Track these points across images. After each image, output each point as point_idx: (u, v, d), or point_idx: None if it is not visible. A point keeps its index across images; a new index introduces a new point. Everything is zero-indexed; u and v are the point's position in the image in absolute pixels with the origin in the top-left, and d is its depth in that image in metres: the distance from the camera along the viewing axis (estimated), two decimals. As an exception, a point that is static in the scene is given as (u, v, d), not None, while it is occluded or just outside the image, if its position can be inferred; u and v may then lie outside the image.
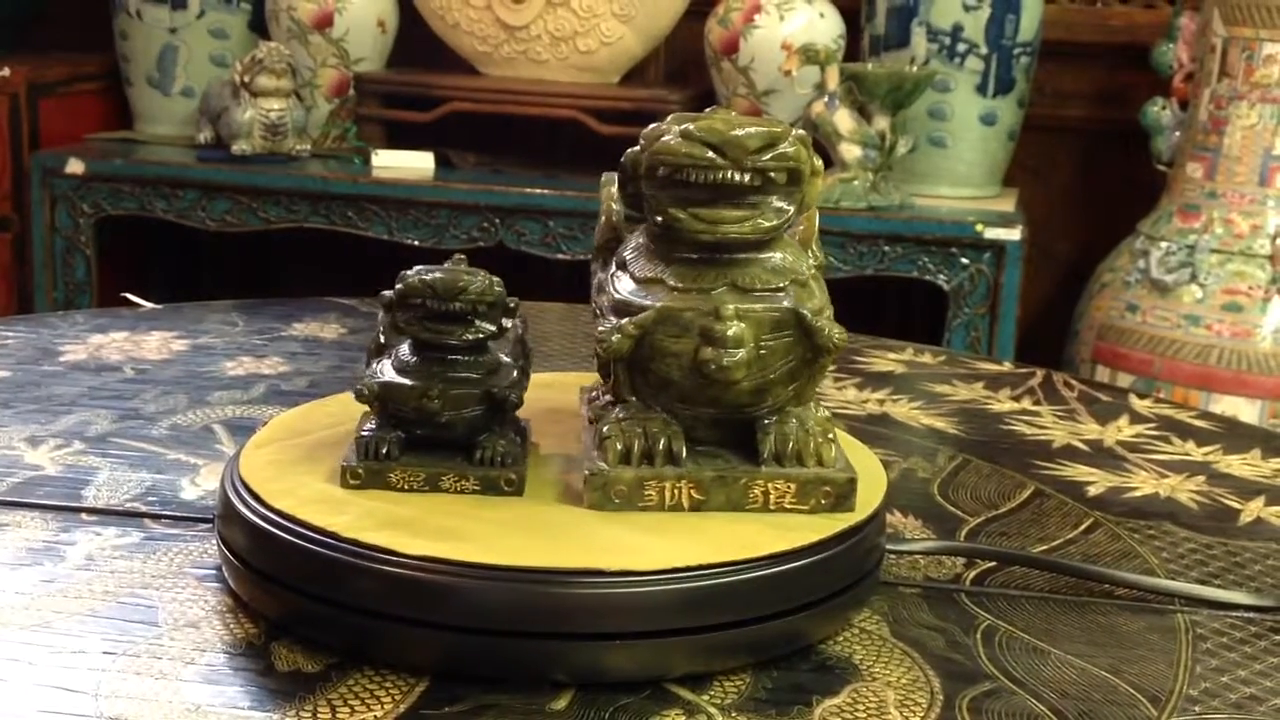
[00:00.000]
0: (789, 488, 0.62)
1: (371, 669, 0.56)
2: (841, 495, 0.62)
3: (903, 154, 2.00)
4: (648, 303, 0.61)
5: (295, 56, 2.14)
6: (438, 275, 0.61)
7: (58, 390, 0.92)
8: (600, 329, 0.62)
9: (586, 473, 0.61)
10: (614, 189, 0.68)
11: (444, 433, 0.63)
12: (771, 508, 0.62)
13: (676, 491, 0.61)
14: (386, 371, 0.63)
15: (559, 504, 0.62)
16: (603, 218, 0.69)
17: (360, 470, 0.62)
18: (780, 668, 0.58)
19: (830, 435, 0.64)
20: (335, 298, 1.23)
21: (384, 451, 0.62)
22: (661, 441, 0.62)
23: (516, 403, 0.64)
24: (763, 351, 0.61)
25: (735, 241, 0.61)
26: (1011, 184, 2.21)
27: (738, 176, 0.59)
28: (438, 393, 0.62)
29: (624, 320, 0.61)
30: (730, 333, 0.60)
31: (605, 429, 0.63)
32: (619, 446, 0.61)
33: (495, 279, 0.63)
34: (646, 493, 0.61)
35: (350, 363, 1.02)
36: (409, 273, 0.62)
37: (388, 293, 0.63)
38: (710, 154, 0.59)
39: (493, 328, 0.63)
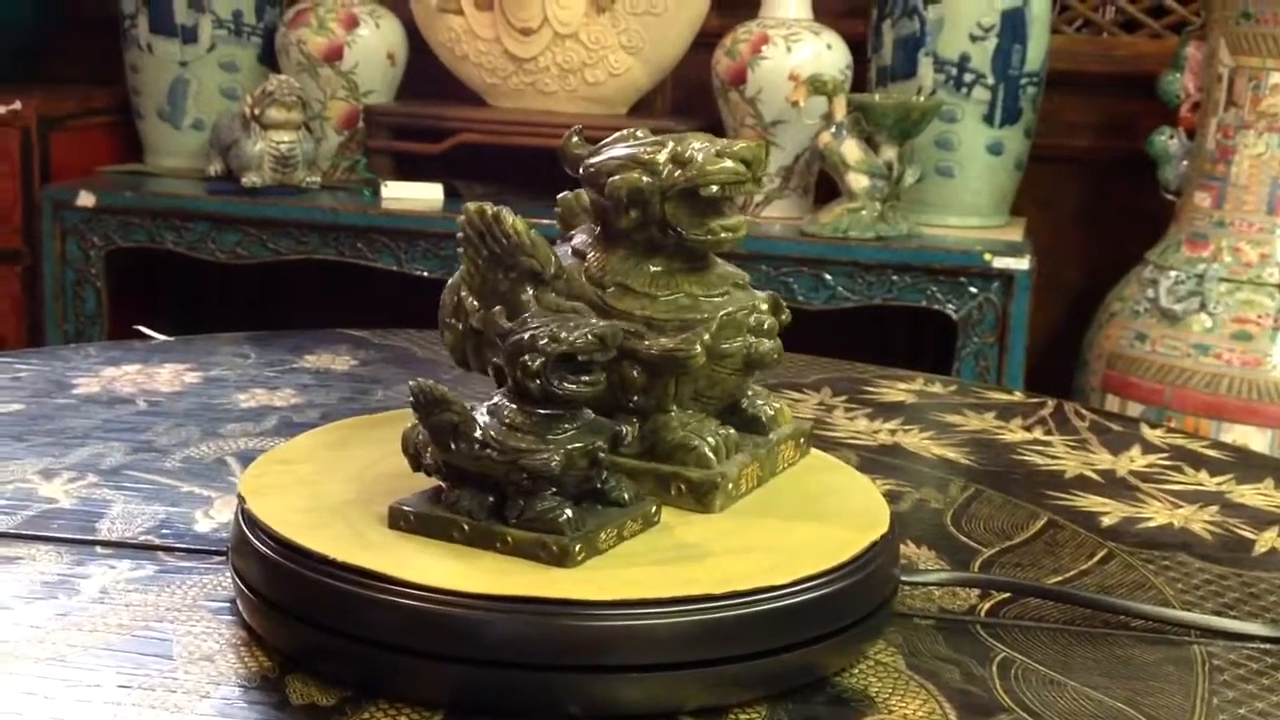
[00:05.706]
0: (790, 445, 0.71)
1: (386, 702, 0.56)
2: (808, 438, 0.73)
3: (910, 184, 2.00)
4: (688, 316, 0.64)
5: (305, 89, 2.15)
6: (593, 328, 0.58)
7: (71, 423, 0.92)
8: (665, 343, 0.63)
9: (714, 480, 0.64)
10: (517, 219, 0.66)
11: (588, 484, 0.60)
12: (786, 468, 0.70)
13: (754, 474, 0.67)
14: (526, 442, 0.58)
15: (689, 515, 0.64)
16: (543, 247, 0.65)
17: (580, 547, 0.57)
18: (795, 700, 0.58)
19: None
20: (346, 329, 1.23)
21: (580, 521, 0.58)
22: (725, 434, 0.66)
23: (632, 436, 0.65)
24: None
25: (736, 244, 0.66)
26: (1019, 213, 2.21)
27: (754, 187, 0.65)
28: (605, 445, 0.59)
29: (697, 331, 0.64)
30: (770, 324, 0.66)
31: (681, 438, 0.65)
32: (709, 447, 0.65)
33: None
34: (744, 482, 0.66)
35: (361, 394, 1.02)
36: (550, 332, 0.58)
37: (532, 359, 0.58)
38: (746, 170, 0.64)
39: None
